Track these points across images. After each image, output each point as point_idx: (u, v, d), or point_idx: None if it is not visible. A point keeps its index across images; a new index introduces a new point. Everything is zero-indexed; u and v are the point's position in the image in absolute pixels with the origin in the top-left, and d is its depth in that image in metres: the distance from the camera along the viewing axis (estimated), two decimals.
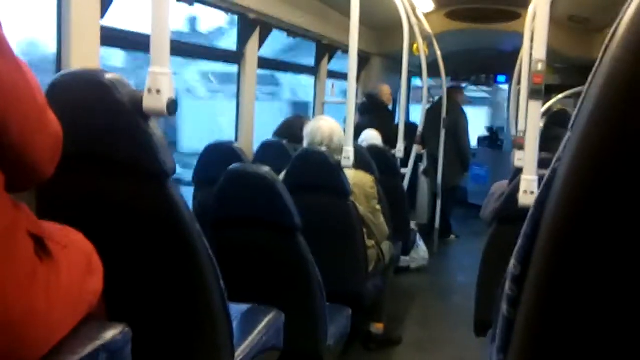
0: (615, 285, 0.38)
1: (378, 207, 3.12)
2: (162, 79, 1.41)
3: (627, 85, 0.37)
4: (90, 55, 2.16)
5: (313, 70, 4.96)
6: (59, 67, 2.08)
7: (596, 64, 0.41)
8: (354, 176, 2.98)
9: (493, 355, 0.61)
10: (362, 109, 5.17)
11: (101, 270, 1.33)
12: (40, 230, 1.15)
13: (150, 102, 1.41)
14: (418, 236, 5.06)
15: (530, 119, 2.02)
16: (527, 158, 2.02)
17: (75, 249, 1.26)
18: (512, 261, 0.52)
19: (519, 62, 4.28)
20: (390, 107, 5.69)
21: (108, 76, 1.43)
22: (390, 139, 4.63)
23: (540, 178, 1.98)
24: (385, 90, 5.38)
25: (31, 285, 1.06)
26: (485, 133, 8.31)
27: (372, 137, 4.23)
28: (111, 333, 1.24)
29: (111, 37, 2.35)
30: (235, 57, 3.61)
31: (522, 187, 1.99)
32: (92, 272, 1.29)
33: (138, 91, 1.44)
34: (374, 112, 5.09)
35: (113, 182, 1.51)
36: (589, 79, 0.42)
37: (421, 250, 5.07)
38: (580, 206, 0.40)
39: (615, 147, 0.38)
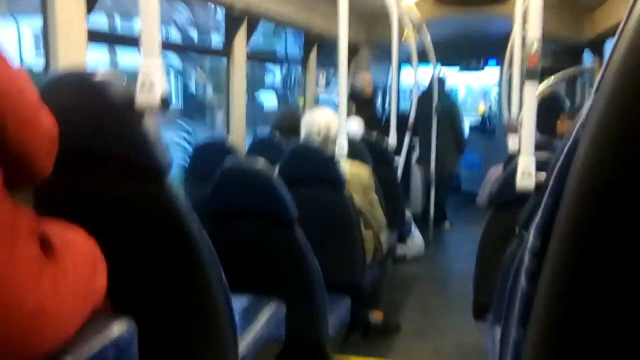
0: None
1: (375, 198, 3.12)
2: (154, 74, 1.41)
3: None
4: (77, 53, 2.14)
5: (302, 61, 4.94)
6: (47, 65, 2.06)
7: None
8: (350, 168, 2.98)
9: (495, 332, 0.60)
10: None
11: (105, 268, 1.33)
12: (43, 230, 1.15)
13: (143, 99, 1.41)
14: (413, 225, 5.07)
15: (527, 100, 2.01)
16: (524, 139, 2.01)
17: (78, 248, 1.27)
18: (532, 236, 0.52)
19: (509, 45, 4.27)
20: (372, 96, 5.67)
21: (99, 76, 1.42)
22: (372, 128, 4.62)
23: (537, 160, 1.97)
24: (365, 80, 5.37)
25: (39, 284, 1.07)
26: (476, 119, 8.32)
27: (352, 126, 4.19)
28: (118, 329, 1.24)
29: (99, 34, 2.33)
30: (223, 51, 3.59)
31: (520, 169, 1.97)
32: (96, 270, 1.30)
33: (130, 89, 1.43)
34: (354, 102, 5.09)
35: (110, 181, 1.51)
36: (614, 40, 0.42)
37: (417, 239, 5.08)
38: (605, 179, 0.39)
39: None
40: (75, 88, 1.47)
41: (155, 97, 1.40)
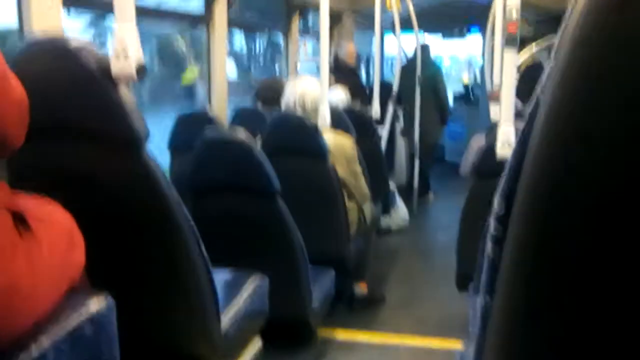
0: (603, 218, 0.37)
1: (359, 169, 3.10)
2: (128, 42, 1.36)
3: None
4: (52, 17, 2.07)
5: (284, 29, 4.87)
6: (20, 30, 1.99)
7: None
8: (333, 138, 2.95)
9: (477, 301, 0.60)
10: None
11: (82, 243, 1.31)
12: (17, 205, 1.12)
13: (118, 67, 1.37)
14: (397, 197, 5.07)
15: (506, 68, 1.99)
16: (504, 109, 2.00)
17: (55, 224, 1.25)
18: (496, 199, 0.51)
19: (492, 13, 4.24)
20: (356, 66, 5.61)
21: (74, 43, 1.38)
22: (355, 98, 4.58)
23: (518, 129, 1.97)
24: (348, 50, 5.32)
25: (12, 260, 1.04)
26: (460, 90, 8.29)
27: (338, 97, 4.15)
28: (96, 305, 1.22)
29: None
30: (203, 19, 3.50)
31: (500, 139, 1.97)
32: (73, 246, 1.28)
33: (105, 57, 1.39)
34: (337, 72, 5.05)
35: (86, 152, 1.47)
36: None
37: (401, 211, 5.08)
38: (564, 139, 0.39)
39: (597, 82, 0.37)
40: (48, 55, 1.43)
41: (131, 65, 1.36)
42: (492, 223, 0.53)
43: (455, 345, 2.71)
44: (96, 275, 1.38)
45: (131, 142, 1.43)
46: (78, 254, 1.29)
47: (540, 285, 0.41)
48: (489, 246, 0.54)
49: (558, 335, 0.40)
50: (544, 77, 0.45)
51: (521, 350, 0.43)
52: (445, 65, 10.34)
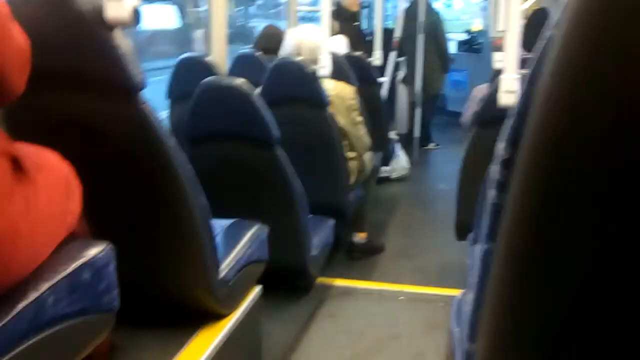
0: (608, 162, 0.36)
1: (359, 118, 3.08)
2: None
3: None
4: None
5: None
6: None
7: None
8: (334, 87, 2.91)
9: (475, 250, 0.60)
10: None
11: (79, 191, 1.31)
12: (15, 151, 1.12)
13: (112, 11, 1.33)
14: (398, 146, 5.05)
15: (512, 15, 1.95)
16: (508, 56, 1.97)
17: (52, 171, 1.25)
18: (501, 144, 0.50)
19: None
20: (358, 13, 5.50)
21: None
22: (357, 47, 4.51)
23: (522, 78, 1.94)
24: None
25: (10, 205, 1.04)
26: (464, 37, 8.13)
27: (338, 45, 4.06)
28: (94, 251, 1.22)
29: None
30: None
31: (503, 87, 1.95)
32: (70, 193, 1.28)
33: (99, 0, 1.35)
34: (338, 19, 4.96)
35: (80, 99, 1.45)
36: None
37: (401, 160, 5.08)
38: (577, 73, 0.37)
39: (608, 23, 0.35)
40: (40, 0, 1.39)
41: (125, 9, 1.33)
42: (496, 169, 0.52)
43: (453, 293, 2.74)
44: (96, 223, 1.39)
45: (127, 88, 1.41)
46: (75, 202, 1.30)
47: (545, 226, 0.41)
48: (491, 192, 0.53)
49: (560, 275, 0.40)
50: (558, 11, 0.44)
51: (523, 290, 0.44)
52: (457, 9, 10.09)
